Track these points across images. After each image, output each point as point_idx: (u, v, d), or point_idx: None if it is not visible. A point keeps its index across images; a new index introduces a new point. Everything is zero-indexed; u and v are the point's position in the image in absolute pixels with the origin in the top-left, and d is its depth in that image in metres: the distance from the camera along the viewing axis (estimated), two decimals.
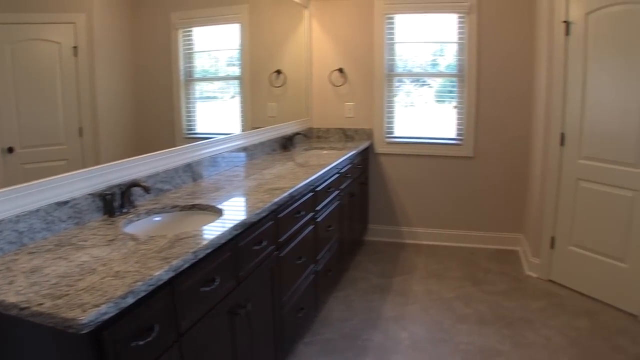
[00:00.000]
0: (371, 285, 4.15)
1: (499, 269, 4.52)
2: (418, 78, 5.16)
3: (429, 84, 5.17)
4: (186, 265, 1.77)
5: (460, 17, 4.87)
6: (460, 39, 4.89)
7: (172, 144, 2.97)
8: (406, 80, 5.18)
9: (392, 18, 5.04)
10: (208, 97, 3.56)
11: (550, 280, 4.23)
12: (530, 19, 4.63)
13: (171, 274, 1.68)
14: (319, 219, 3.39)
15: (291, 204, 2.86)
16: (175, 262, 1.70)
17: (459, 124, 5.03)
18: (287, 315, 2.90)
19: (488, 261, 4.72)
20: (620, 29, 3.56)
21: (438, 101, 5.18)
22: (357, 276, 4.35)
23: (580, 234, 3.98)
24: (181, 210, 2.50)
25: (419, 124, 5.18)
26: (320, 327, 3.46)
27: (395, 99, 5.18)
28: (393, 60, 5.12)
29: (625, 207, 3.63)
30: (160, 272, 1.61)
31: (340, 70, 5.18)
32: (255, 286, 2.45)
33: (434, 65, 5.12)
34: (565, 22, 3.88)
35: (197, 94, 3.35)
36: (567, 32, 3.88)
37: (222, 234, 2.04)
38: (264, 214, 2.44)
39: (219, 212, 2.39)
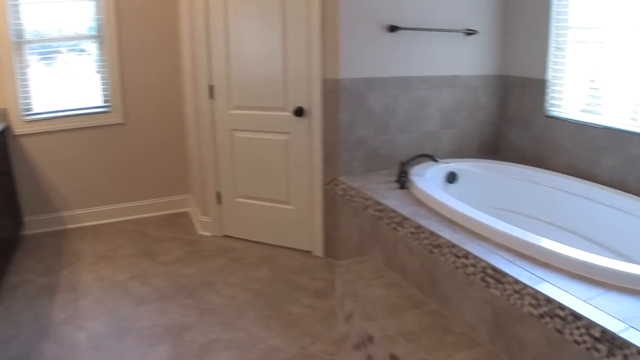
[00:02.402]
0: (36, 288, 3.55)
1: (172, 235, 4.32)
2: (74, 45, 4.51)
3: (87, 52, 4.56)
4: None
5: None
6: None
7: None
8: (63, 49, 4.48)
9: None
10: None
11: (225, 236, 4.20)
12: None
13: None
14: None
15: None
16: None
17: (104, 90, 4.58)
18: None
19: (159, 229, 4.49)
20: None
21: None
22: (18, 280, 3.69)
23: (244, 184, 3.99)
24: None
25: (74, 95, 4.55)
26: None
27: (29, 70, 4.41)
28: (21, 25, 4.34)
29: (281, 150, 3.72)
30: None
31: None
32: None
33: (90, 29, 4.51)
34: None
35: None
36: None
37: None
38: None
39: None
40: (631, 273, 2.13)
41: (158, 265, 3.76)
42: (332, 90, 3.41)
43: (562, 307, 1.98)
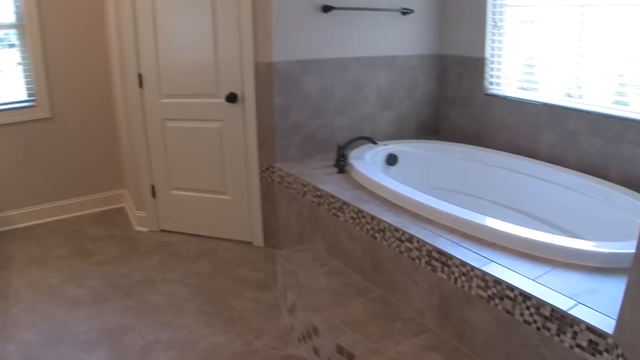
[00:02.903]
0: None
1: (108, 233, 4.07)
2: (2, 38, 4.15)
3: (16, 45, 4.20)
4: None
5: None
6: None
7: None
8: None
9: None
10: None
11: (162, 230, 3.99)
12: None
13: None
14: None
15: None
16: None
17: (28, 83, 4.26)
18: None
19: (95, 227, 4.23)
20: None
21: None
22: None
23: (179, 176, 3.78)
24: None
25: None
26: None
27: None
28: None
29: (215, 138, 3.54)
30: None
31: None
32: None
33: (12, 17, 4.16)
34: None
35: None
36: None
37: None
38: None
39: None
40: (576, 248, 2.07)
41: (94, 266, 3.52)
42: (266, 74, 3.24)
43: (511, 288, 1.89)
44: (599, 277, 1.94)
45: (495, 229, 2.22)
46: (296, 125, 3.38)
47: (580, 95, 3.11)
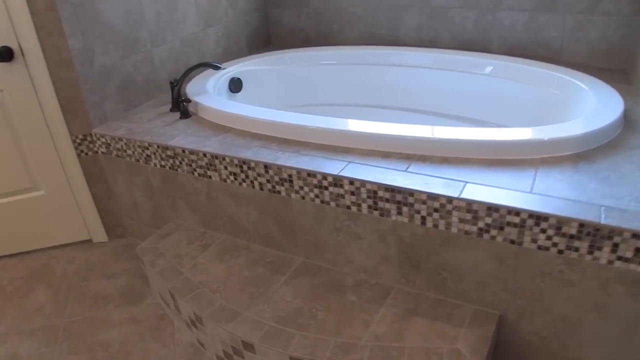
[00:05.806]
0: None
1: None
2: None
3: None
4: None
5: None
6: None
7: None
8: None
9: None
10: None
11: None
12: None
13: None
14: None
15: None
16: None
17: None
18: None
19: None
20: None
21: None
22: None
23: None
24: None
25: None
26: None
27: None
28: None
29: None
30: None
31: None
32: None
33: None
34: None
35: None
36: None
37: None
38: None
39: None
40: (561, 137, 1.63)
41: None
42: (47, 8, 2.19)
43: (515, 212, 1.37)
44: (582, 167, 1.54)
45: (447, 139, 1.66)
46: (106, 71, 2.42)
47: None
